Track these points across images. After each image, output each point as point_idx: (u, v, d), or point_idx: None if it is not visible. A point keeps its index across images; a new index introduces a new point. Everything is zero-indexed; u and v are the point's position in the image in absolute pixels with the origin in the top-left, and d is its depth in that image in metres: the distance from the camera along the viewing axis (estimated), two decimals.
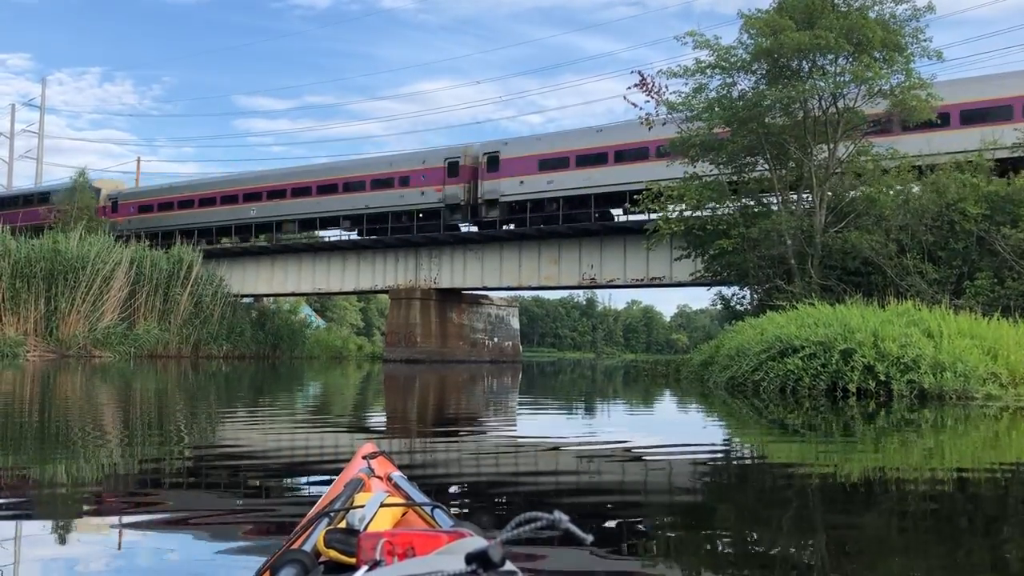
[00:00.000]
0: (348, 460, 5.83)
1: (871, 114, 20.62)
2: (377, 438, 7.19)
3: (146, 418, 8.95)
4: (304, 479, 4.81)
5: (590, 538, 0.85)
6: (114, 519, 3.64)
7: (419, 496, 1.78)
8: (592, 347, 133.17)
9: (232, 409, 10.44)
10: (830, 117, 20.65)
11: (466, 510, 3.76)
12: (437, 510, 1.57)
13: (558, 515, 0.90)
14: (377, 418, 10.41)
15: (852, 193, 20.95)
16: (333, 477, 4.56)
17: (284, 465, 5.37)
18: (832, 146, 20.83)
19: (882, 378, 12.54)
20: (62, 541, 3.26)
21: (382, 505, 1.51)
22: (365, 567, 1.04)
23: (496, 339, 47.08)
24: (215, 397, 12.87)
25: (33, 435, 6.88)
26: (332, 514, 1.49)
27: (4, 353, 31.17)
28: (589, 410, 12.17)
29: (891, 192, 19.96)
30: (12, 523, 3.51)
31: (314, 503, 3.75)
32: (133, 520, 3.62)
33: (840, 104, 20.40)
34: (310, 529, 1.46)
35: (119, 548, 3.12)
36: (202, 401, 11.85)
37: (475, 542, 1.01)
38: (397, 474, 1.99)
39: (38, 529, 3.44)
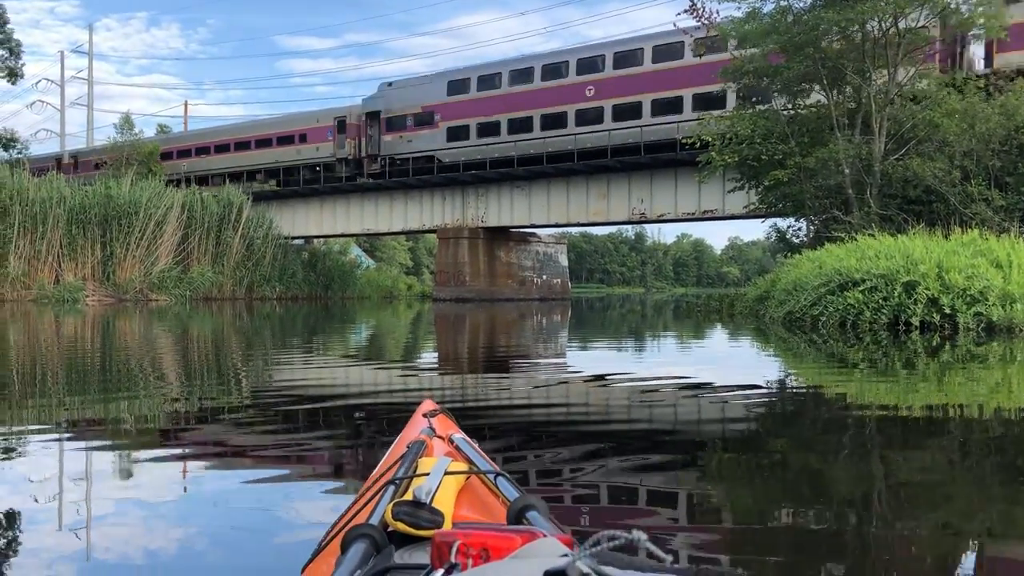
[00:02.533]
0: (404, 400, 5.88)
1: None
2: (431, 374, 7.19)
3: (205, 359, 9.03)
4: (364, 421, 4.75)
5: (669, 558, 0.86)
6: (177, 460, 3.70)
7: (481, 461, 1.74)
8: (641, 282, 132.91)
9: (288, 349, 10.53)
10: (890, 39, 19.78)
11: (523, 461, 3.65)
12: (500, 478, 1.55)
13: (637, 534, 0.91)
14: (430, 356, 10.39)
15: (913, 118, 20.17)
16: (391, 418, 4.59)
17: (343, 405, 5.36)
18: (892, 70, 19.99)
19: (947, 311, 12.17)
20: (129, 480, 3.33)
21: (446, 473, 1.49)
22: (441, 570, 1.02)
23: (544, 276, 46.98)
24: (271, 338, 12.99)
25: (98, 376, 6.99)
26: (398, 482, 1.50)
27: (65, 299, 31.97)
28: (640, 345, 12.03)
29: (955, 116, 19.14)
30: (83, 460, 3.64)
31: (371, 447, 3.81)
32: (195, 461, 3.65)
33: (902, 24, 19.50)
34: (376, 498, 1.46)
35: (184, 489, 3.17)
36: (258, 342, 11.96)
37: (549, 546, 0.98)
38: (459, 436, 1.95)
39: (106, 466, 3.55)
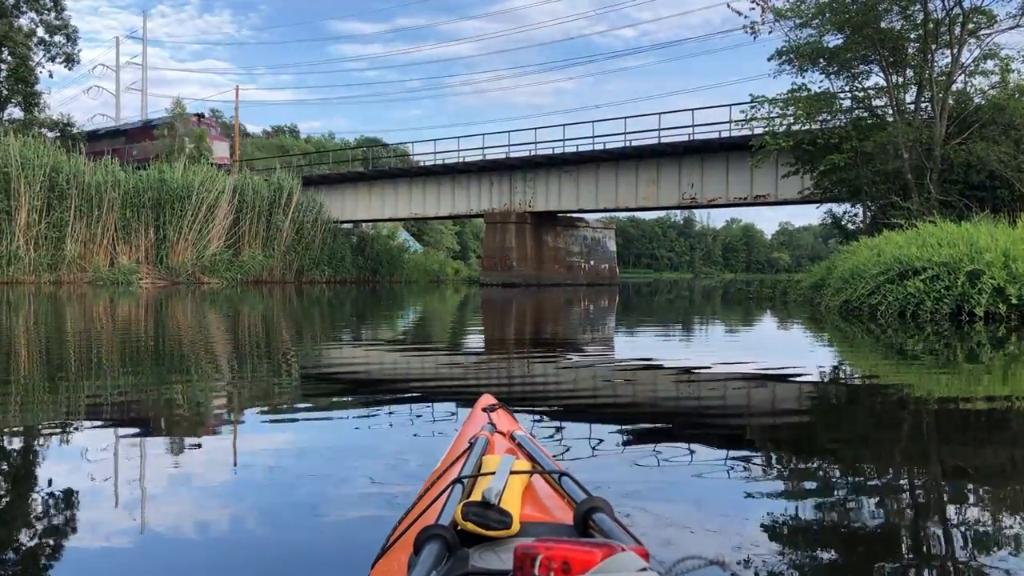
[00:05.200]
0: (451, 383, 5.79)
1: None
2: (481, 361, 7.08)
3: (257, 342, 9.04)
4: (419, 410, 4.64)
5: None
6: (229, 442, 3.72)
7: (544, 459, 1.73)
8: (690, 267, 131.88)
9: (338, 334, 10.55)
10: (954, 18, 19.13)
11: (575, 452, 3.53)
12: (564, 478, 1.54)
13: (719, 558, 0.99)
14: (479, 343, 10.29)
15: (977, 100, 19.52)
16: (446, 408, 4.51)
17: (395, 392, 5.26)
18: (955, 50, 19.35)
19: (1014, 301, 11.73)
20: (182, 460, 3.35)
21: (511, 472, 1.50)
22: None
23: (592, 262, 46.70)
24: (321, 322, 13.02)
25: (153, 358, 7.02)
26: (464, 481, 1.52)
27: (119, 281, 32.58)
28: (690, 333, 11.80)
29: (1022, 98, 18.46)
30: (137, 439, 3.71)
31: (428, 437, 3.71)
32: (247, 444, 3.66)
33: (966, 3, 18.85)
34: (445, 497, 1.47)
35: (234, 465, 3.22)
36: (308, 326, 11.99)
37: (629, 561, 1.01)
38: (519, 433, 1.95)
39: (160, 446, 3.58)
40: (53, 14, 44.55)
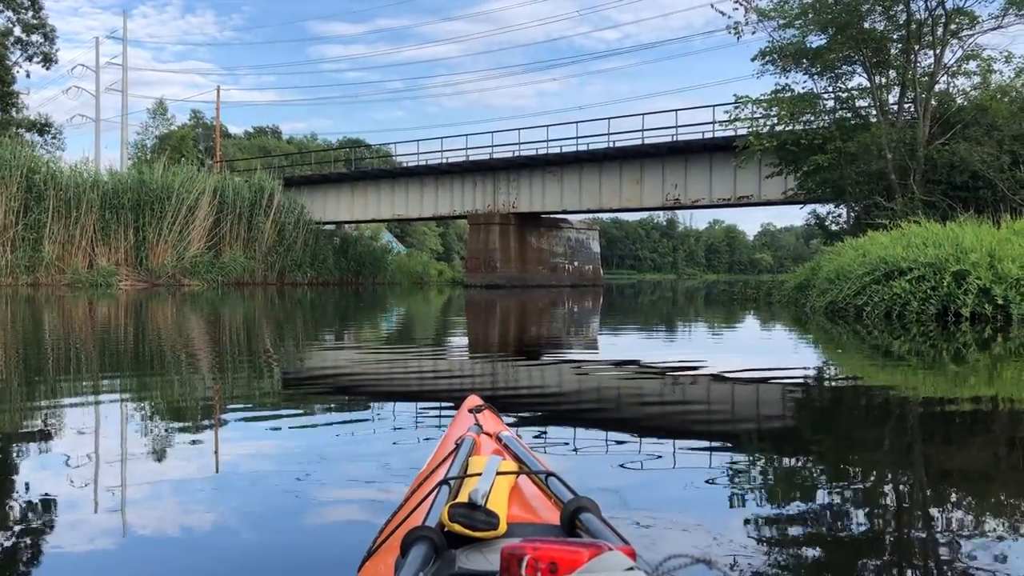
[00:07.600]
0: (439, 385, 5.70)
1: None
2: (466, 363, 6.97)
3: (238, 345, 8.89)
4: (404, 411, 4.53)
5: None
6: (211, 446, 3.67)
7: (531, 460, 1.72)
8: (673, 268, 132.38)
9: (321, 335, 10.44)
10: (936, 19, 19.18)
11: (561, 454, 3.44)
12: (551, 478, 1.54)
13: (706, 555, 0.95)
14: (464, 344, 10.18)
15: (959, 101, 19.58)
16: (431, 408, 4.41)
17: (380, 393, 5.19)
18: (938, 51, 19.41)
19: (1000, 302, 11.73)
20: (163, 464, 3.29)
21: (497, 473, 1.49)
22: None
23: (576, 263, 46.66)
24: (303, 324, 12.88)
25: (133, 361, 6.89)
26: (451, 482, 1.51)
27: (98, 283, 32.22)
28: (674, 334, 11.74)
29: (1004, 99, 18.53)
30: (117, 442, 3.67)
31: (413, 439, 3.63)
32: (229, 448, 3.60)
33: (948, 4, 18.90)
34: (431, 498, 1.47)
35: (217, 469, 3.18)
36: (290, 328, 11.84)
37: (615, 560, 1.01)
38: (506, 434, 1.94)
39: (140, 449, 3.52)
40: (30, 13, 44.08)
